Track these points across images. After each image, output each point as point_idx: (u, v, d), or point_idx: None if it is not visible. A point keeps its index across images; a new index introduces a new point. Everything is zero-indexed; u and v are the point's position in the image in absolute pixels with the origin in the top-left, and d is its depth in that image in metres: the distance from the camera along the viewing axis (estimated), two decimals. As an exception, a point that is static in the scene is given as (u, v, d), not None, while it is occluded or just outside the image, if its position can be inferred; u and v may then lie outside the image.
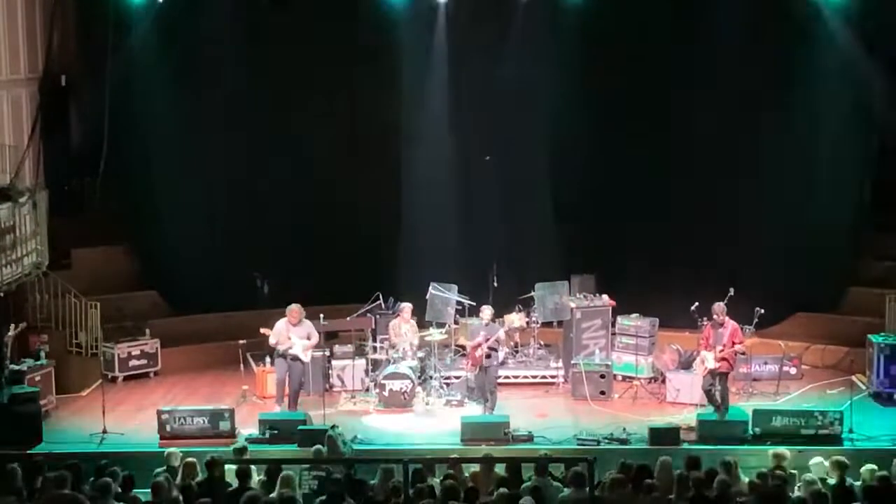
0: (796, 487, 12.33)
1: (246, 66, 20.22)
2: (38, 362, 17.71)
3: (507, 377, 18.54)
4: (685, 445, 15.63)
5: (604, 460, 13.35)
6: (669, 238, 20.10)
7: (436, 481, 12.00)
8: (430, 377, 18.09)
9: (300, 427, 16.05)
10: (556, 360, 19.20)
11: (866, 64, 19.17)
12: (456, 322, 18.93)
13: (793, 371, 18.67)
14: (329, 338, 18.45)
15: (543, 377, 18.94)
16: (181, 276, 20.46)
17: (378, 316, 19.02)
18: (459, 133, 20.48)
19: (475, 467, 12.73)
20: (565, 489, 11.91)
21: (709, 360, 16.39)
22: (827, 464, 12.74)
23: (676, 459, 12.97)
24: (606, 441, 15.93)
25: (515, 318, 18.45)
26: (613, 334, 18.99)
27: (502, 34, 20.13)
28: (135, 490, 12.18)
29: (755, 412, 16.21)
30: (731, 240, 19.91)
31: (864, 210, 20.07)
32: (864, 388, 17.88)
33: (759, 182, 20.00)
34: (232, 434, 16.13)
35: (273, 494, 11.60)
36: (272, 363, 17.69)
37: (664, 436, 15.86)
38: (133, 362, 19.22)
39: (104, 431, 16.29)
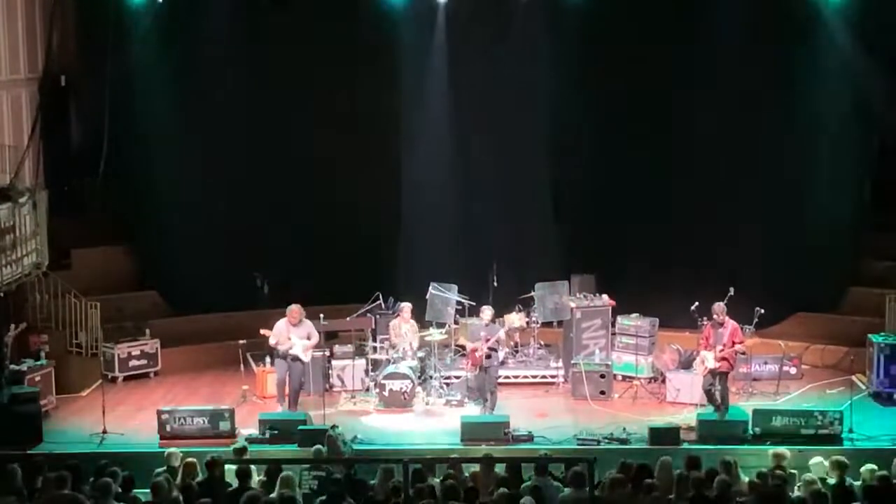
0: (796, 487, 12.33)
1: (246, 66, 20.23)
2: (38, 362, 17.72)
3: (507, 377, 18.53)
4: (685, 445, 15.62)
5: (604, 460, 13.30)
6: (669, 238, 20.08)
7: (436, 481, 11.99)
8: (430, 377, 18.08)
9: (300, 427, 16.05)
10: (556, 360, 19.20)
11: (866, 64, 19.17)
12: (456, 322, 18.91)
13: (793, 371, 18.67)
14: (329, 338, 18.45)
15: (543, 377, 18.94)
16: (181, 276, 20.45)
17: (378, 316, 19.00)
18: (459, 133, 20.46)
19: (475, 467, 12.72)
20: (565, 489, 11.91)
21: (709, 359, 16.40)
22: (827, 463, 12.75)
23: (676, 459, 12.97)
24: (606, 441, 15.92)
25: (515, 318, 18.46)
26: (613, 334, 18.99)
27: (502, 34, 20.10)
28: (135, 490, 12.17)
29: (755, 412, 16.21)
30: (731, 240, 19.88)
31: (864, 210, 20.08)
32: (864, 387, 17.90)
33: (759, 182, 19.99)
34: (232, 434, 16.13)
35: (273, 494, 11.59)
36: (272, 363, 17.70)
37: (664, 436, 15.86)
38: (133, 362, 19.20)
39: (104, 431, 16.29)
